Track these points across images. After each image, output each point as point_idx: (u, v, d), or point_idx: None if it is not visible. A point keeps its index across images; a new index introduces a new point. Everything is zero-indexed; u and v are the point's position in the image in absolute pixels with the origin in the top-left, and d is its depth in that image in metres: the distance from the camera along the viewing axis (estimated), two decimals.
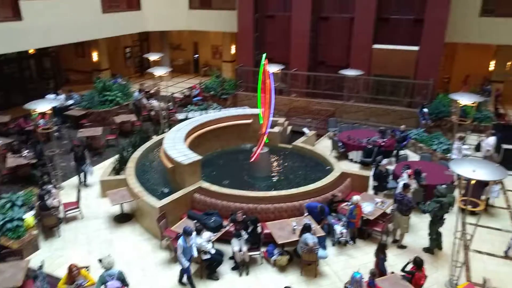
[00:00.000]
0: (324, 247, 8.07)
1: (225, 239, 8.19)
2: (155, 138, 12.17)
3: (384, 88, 15.99)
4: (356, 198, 8.43)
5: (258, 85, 10.21)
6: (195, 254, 7.26)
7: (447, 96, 12.99)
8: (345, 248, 8.47)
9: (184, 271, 7.27)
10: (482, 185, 8.39)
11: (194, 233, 7.38)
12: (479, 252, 8.48)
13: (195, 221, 8.25)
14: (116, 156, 11.55)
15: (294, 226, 8.08)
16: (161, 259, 8.19)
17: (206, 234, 7.68)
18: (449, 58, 19.21)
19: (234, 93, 18.02)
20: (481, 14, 15.94)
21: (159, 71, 14.18)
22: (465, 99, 11.34)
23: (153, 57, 16.29)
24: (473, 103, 11.28)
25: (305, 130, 13.48)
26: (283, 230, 8.13)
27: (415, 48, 15.49)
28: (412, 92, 15.58)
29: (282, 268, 7.84)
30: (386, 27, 16.11)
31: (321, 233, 8.06)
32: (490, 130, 12.64)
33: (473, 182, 6.54)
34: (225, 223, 8.36)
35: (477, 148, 11.87)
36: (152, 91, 18.04)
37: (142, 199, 8.87)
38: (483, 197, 9.40)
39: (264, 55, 10.02)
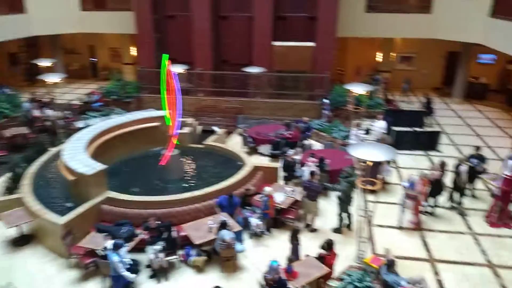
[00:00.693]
0: (241, 241, 8.20)
1: (140, 247, 7.88)
2: (53, 150, 11.21)
3: (286, 83, 16.69)
4: (268, 189, 8.71)
5: (162, 86, 9.97)
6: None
7: (342, 87, 14.02)
8: (262, 239, 8.70)
9: (127, 282, 6.92)
10: (377, 165, 9.22)
11: (111, 242, 7.06)
12: (381, 226, 9.33)
13: (105, 233, 7.80)
14: (8, 174, 10.42)
15: (210, 224, 8.08)
16: (71, 279, 7.60)
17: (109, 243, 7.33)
18: (342, 52, 20.73)
19: (138, 96, 17.37)
20: (366, 10, 17.56)
21: (51, 78, 13.10)
22: (358, 89, 12.37)
23: (43, 63, 14.98)
24: (365, 92, 12.34)
25: (215, 128, 13.54)
26: (200, 230, 8.08)
27: (311, 44, 16.43)
28: (312, 85, 16.50)
29: (200, 269, 7.78)
30: (284, 25, 16.82)
31: (238, 228, 8.17)
32: (381, 115, 13.95)
33: (369, 163, 7.15)
34: (138, 231, 8.04)
35: (367, 132, 12.99)
36: (45, 100, 16.58)
37: (42, 217, 8.12)
38: (379, 176, 10.36)
39: (165, 56, 9.81)
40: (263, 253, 8.27)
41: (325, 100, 14.92)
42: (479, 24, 15.67)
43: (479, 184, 10.66)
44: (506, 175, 9.08)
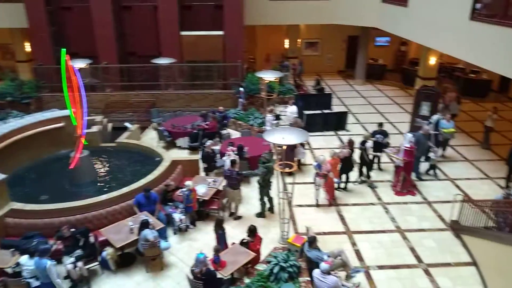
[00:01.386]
0: (165, 238, 8.01)
1: (56, 258, 7.28)
2: None
3: (199, 74, 16.48)
4: (189, 183, 8.58)
5: (64, 84, 9.20)
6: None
7: (255, 75, 14.24)
8: (187, 234, 8.60)
9: None
10: (292, 148, 9.57)
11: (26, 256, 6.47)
12: (300, 205, 9.76)
13: (12, 249, 7.09)
14: None
15: (131, 225, 7.74)
16: None
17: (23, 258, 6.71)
18: (251, 40, 21.01)
19: (38, 96, 15.85)
20: None
21: None
22: (269, 76, 12.66)
23: None
24: (276, 79, 12.67)
25: (128, 124, 12.92)
26: (120, 233, 7.71)
27: (220, 32, 16.37)
28: (225, 74, 16.51)
29: (117, 263, 7.45)
30: (191, 14, 16.50)
31: (160, 225, 7.96)
32: (292, 100, 14.46)
33: (284, 147, 7.39)
34: (51, 242, 7.42)
35: (277, 117, 13.42)
36: None
37: None
38: (295, 159, 10.79)
39: (63, 51, 9.04)
40: (189, 247, 8.18)
41: (240, 89, 15.04)
42: (373, 9, 16.87)
43: (384, 158, 11.63)
44: (406, 147, 10.03)
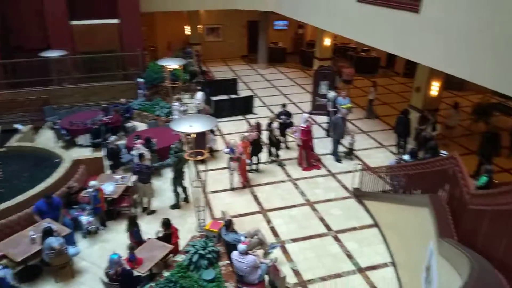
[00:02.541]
0: (73, 244, 7.50)
1: None
2: None
3: (96, 65, 15.42)
4: (94, 183, 8.09)
5: None
6: None
7: (157, 63, 13.77)
8: (98, 236, 8.14)
9: None
10: (202, 136, 9.51)
11: None
12: (215, 191, 9.82)
13: None
14: None
15: (33, 235, 7.09)
16: None
17: None
18: (151, 27, 20.21)
19: None
20: None
21: None
22: (171, 64, 12.35)
23: None
24: (179, 66, 12.41)
25: (18, 126, 11.67)
26: (20, 245, 7.01)
27: (116, 21, 15.45)
28: (125, 64, 15.70)
29: (25, 283, 6.86)
30: (82, 2, 15.28)
31: (67, 230, 7.41)
32: (199, 87, 14.29)
33: (193, 135, 7.32)
34: None
35: (182, 105, 13.26)
36: None
37: None
38: (207, 146, 10.76)
39: None
40: (102, 249, 7.76)
41: (139, 79, 14.43)
42: None
43: (290, 137, 12.16)
44: (303, 127, 10.61)
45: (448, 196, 6.04)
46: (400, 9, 8.60)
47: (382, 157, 11.46)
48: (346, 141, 11.53)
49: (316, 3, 13.14)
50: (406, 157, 9.36)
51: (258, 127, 10.68)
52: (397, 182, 8.63)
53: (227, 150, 9.66)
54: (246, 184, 10.09)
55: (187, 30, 20.77)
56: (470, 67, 6.85)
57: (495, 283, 2.87)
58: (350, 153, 11.58)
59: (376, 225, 8.71)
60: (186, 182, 9.11)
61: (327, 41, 15.65)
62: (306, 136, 10.64)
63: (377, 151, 11.97)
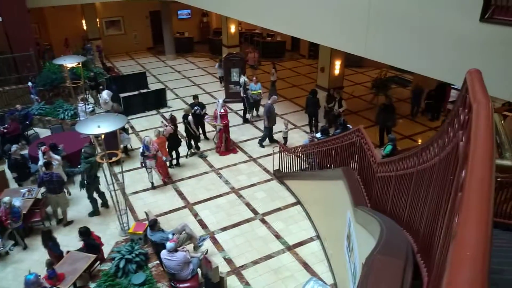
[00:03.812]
0: None
1: None
2: None
3: None
4: (6, 199, 7.31)
5: None
6: None
7: (53, 62, 12.69)
8: (9, 257, 7.40)
9: None
10: (114, 136, 9.05)
11: None
12: (136, 192, 9.47)
13: None
14: None
15: None
16: None
17: None
18: (43, 25, 18.51)
19: None
20: None
21: None
22: (70, 62, 11.47)
23: None
24: (79, 64, 11.57)
25: None
26: None
27: None
28: (17, 67, 14.21)
29: None
30: None
31: None
32: (104, 84, 13.52)
33: (103, 136, 6.93)
34: None
35: (87, 104, 12.57)
36: None
37: None
38: (121, 146, 10.29)
39: None
40: (15, 271, 7.09)
41: (29, 83, 13.14)
42: None
43: (207, 127, 12.10)
44: (221, 112, 10.69)
45: (358, 166, 6.52)
46: None
47: (297, 137, 11.96)
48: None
49: None
50: (318, 135, 9.88)
51: (172, 120, 10.45)
52: (313, 159, 9.09)
53: (142, 147, 9.29)
54: (168, 180, 9.87)
55: (84, 24, 19.39)
56: (364, 44, 7.39)
57: (401, 241, 3.19)
58: (273, 140, 11.72)
59: (299, 202, 9.12)
60: (103, 187, 8.63)
61: (233, 28, 15.72)
62: (226, 119, 10.89)
63: (292, 132, 12.43)
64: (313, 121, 12.22)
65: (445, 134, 2.31)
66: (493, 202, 1.16)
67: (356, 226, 5.31)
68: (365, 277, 2.41)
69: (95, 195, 8.58)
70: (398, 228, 3.68)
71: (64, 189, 8.22)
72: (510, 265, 3.69)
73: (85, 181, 8.33)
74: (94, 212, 8.60)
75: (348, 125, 9.88)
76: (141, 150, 9.32)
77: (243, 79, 12.75)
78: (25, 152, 10.00)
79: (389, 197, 4.63)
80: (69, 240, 7.55)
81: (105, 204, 8.81)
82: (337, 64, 12.17)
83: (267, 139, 11.56)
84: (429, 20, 6.03)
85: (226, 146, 11.04)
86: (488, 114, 1.51)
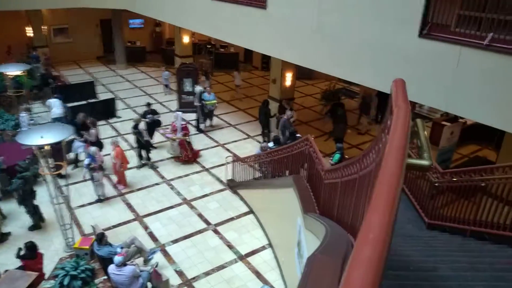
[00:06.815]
0: None
1: None
2: None
3: None
4: None
5: None
6: None
7: None
8: None
9: None
10: (59, 148, 8.68)
11: None
12: (82, 206, 9.08)
13: None
14: None
15: None
16: None
17: None
18: None
19: None
20: None
21: None
22: (13, 70, 10.94)
23: None
24: (23, 72, 11.05)
25: None
26: None
27: None
28: None
29: None
30: None
31: None
32: (52, 93, 12.91)
33: (47, 147, 6.62)
34: None
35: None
36: None
37: None
38: (71, 155, 9.93)
39: None
40: None
41: None
42: None
43: (158, 137, 11.90)
44: (182, 124, 10.78)
45: (307, 174, 6.67)
46: (249, 5, 9.06)
47: (250, 147, 12.05)
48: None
49: (170, 1, 13.00)
50: (270, 144, 10.02)
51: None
52: (265, 168, 9.19)
53: (88, 159, 8.94)
54: (125, 187, 9.74)
55: (29, 31, 18.52)
56: (312, 57, 7.64)
57: (343, 241, 3.31)
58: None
59: (251, 211, 9.15)
60: (43, 200, 8.19)
61: (186, 39, 15.67)
62: (187, 130, 11.19)
63: (245, 142, 12.53)
64: (266, 131, 12.38)
65: (380, 139, 2.44)
66: (400, 194, 1.26)
67: (305, 232, 5.41)
68: (306, 275, 2.47)
69: (32, 209, 8.13)
70: (342, 232, 3.81)
71: None
72: (444, 263, 3.92)
73: (21, 197, 7.88)
74: (35, 227, 8.14)
75: (298, 134, 10.11)
76: (86, 162, 8.96)
77: (198, 88, 12.70)
78: None
79: (336, 202, 4.77)
80: (5, 258, 7.08)
81: (41, 219, 8.35)
82: (288, 76, 12.45)
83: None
84: (373, 35, 6.36)
85: (192, 150, 11.09)
86: (406, 116, 1.62)
